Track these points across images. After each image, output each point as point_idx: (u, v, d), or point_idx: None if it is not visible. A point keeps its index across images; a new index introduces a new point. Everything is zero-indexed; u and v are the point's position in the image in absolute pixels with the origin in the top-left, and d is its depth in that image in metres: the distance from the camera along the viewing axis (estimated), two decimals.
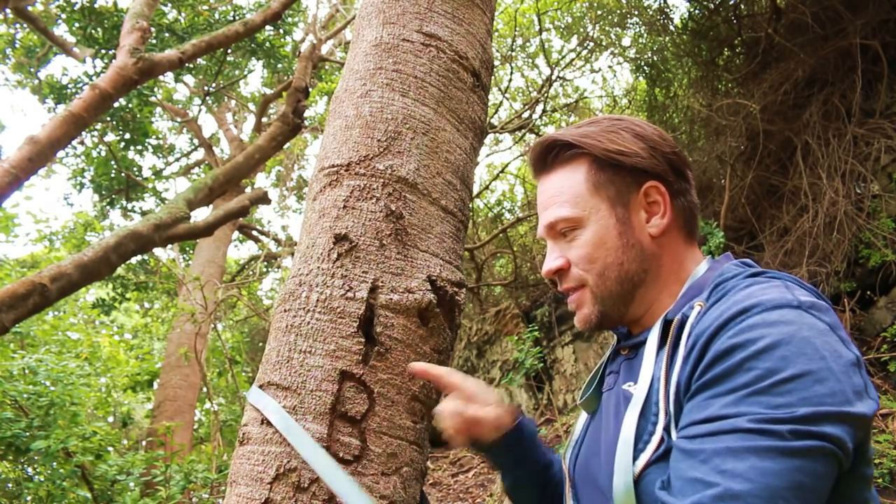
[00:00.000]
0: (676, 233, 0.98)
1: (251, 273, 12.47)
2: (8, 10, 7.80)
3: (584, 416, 1.09)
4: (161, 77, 8.72)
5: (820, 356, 0.71)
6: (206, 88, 10.18)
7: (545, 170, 1.03)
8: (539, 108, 8.73)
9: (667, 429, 0.79)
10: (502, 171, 9.26)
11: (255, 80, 29.79)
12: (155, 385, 9.75)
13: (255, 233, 13.65)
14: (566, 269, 0.98)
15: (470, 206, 1.48)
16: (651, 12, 7.29)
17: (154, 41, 8.31)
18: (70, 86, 8.59)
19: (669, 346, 0.83)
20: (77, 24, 7.87)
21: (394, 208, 1.25)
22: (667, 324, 0.87)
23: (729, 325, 0.76)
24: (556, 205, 0.98)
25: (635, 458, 0.80)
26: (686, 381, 0.78)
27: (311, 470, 1.08)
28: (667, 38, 7.08)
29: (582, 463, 1.00)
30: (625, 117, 1.03)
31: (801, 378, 0.69)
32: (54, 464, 4.99)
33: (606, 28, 8.24)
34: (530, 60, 9.60)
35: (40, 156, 4.61)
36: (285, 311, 1.23)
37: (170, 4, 9.16)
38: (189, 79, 11.37)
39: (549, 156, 1.01)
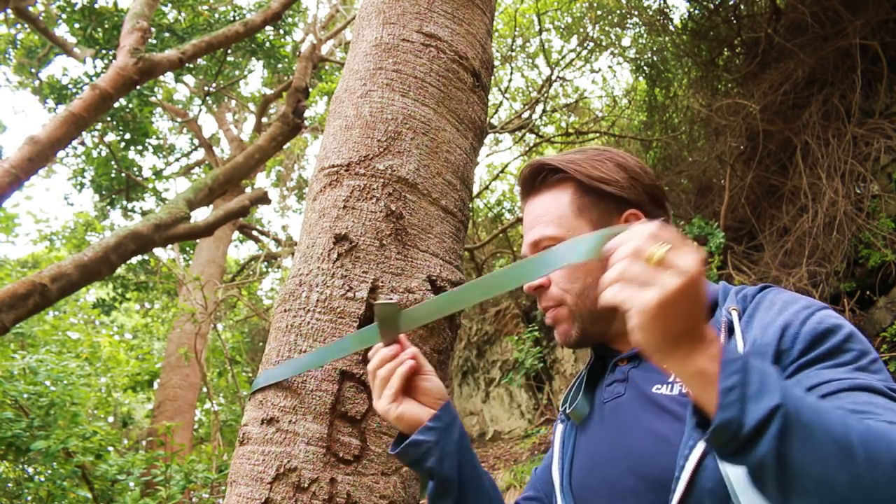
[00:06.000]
0: None
1: (251, 273, 12.45)
2: (9, 11, 7.81)
3: (561, 431, 1.08)
4: (161, 77, 8.72)
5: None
6: (206, 88, 10.17)
7: (532, 192, 1.08)
8: (539, 108, 8.72)
9: None
10: (502, 171, 9.25)
11: (255, 80, 29.74)
12: (155, 385, 9.75)
13: (255, 233, 13.64)
14: (546, 286, 1.02)
15: (470, 206, 1.48)
16: (651, 12, 7.28)
17: (154, 41, 8.31)
18: (70, 86, 8.58)
19: (726, 341, 0.86)
20: (77, 25, 7.87)
21: (394, 208, 1.25)
22: None
23: (807, 318, 0.84)
24: (542, 224, 1.03)
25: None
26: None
27: (311, 469, 1.08)
28: (667, 39, 7.07)
29: (584, 475, 0.99)
30: (610, 149, 1.09)
31: (877, 361, 0.82)
32: (54, 464, 4.98)
33: (606, 28, 8.24)
34: (530, 60, 9.59)
35: (41, 156, 4.61)
36: (285, 311, 1.23)
37: (170, 4, 9.15)
38: (189, 79, 11.37)
39: (536, 179, 1.07)
